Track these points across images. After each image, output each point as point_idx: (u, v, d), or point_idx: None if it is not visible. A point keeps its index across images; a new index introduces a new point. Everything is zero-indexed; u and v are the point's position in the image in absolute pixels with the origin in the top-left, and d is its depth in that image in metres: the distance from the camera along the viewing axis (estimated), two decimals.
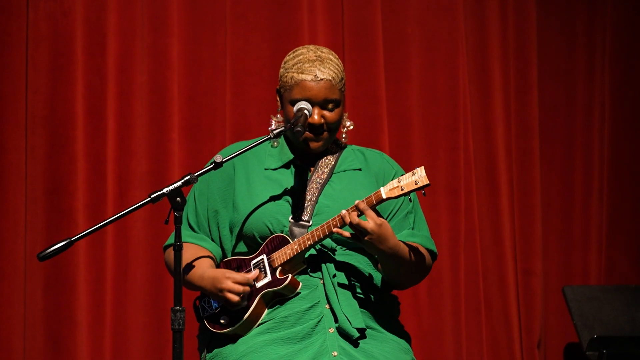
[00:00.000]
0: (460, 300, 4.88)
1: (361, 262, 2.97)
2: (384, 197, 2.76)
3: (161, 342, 4.38)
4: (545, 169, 5.20)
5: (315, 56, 2.94)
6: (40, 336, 4.25)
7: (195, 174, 2.75)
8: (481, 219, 5.00)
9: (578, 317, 4.75)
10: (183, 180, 2.73)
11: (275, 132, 2.89)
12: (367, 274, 2.97)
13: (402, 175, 2.78)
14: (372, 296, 2.95)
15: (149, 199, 2.71)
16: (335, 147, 3.08)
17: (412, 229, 3.01)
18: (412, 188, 2.73)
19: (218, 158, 2.80)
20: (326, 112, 2.95)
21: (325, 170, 3.02)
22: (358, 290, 2.93)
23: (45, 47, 4.30)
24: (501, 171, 5.03)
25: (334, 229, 2.80)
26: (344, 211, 2.79)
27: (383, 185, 2.82)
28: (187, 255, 2.97)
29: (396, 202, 2.98)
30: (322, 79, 2.91)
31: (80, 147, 4.32)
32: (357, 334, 2.83)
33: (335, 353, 2.81)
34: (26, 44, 4.28)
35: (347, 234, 2.79)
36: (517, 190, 5.09)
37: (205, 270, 2.93)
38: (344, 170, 3.04)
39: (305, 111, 2.93)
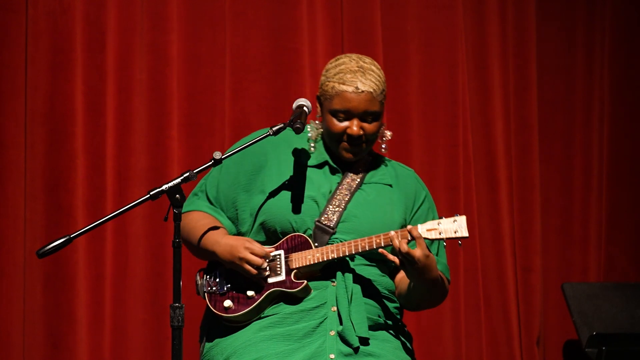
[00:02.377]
0: (460, 297, 4.88)
1: (376, 275, 2.95)
2: (422, 235, 2.75)
3: (160, 338, 4.38)
4: (545, 165, 5.20)
5: (357, 67, 2.90)
6: (39, 333, 4.25)
7: (195, 171, 2.75)
8: (480, 215, 5.00)
9: (577, 314, 4.76)
10: (182, 177, 2.73)
11: (274, 128, 2.87)
12: (382, 287, 2.95)
13: (442, 218, 2.76)
14: (381, 305, 2.94)
15: (148, 196, 2.71)
16: (368, 155, 3.06)
17: (437, 255, 3.00)
18: (450, 236, 2.74)
19: (217, 155, 2.80)
20: (365, 124, 2.92)
21: (357, 177, 2.99)
22: (370, 300, 2.92)
23: (45, 44, 4.29)
24: (500, 168, 5.03)
25: (380, 250, 2.79)
26: (392, 232, 2.77)
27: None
28: (204, 222, 2.97)
29: (425, 220, 2.96)
30: (363, 91, 2.88)
31: (79, 144, 4.31)
32: (357, 344, 2.83)
33: (333, 355, 2.80)
34: (25, 40, 4.28)
35: (394, 258, 2.77)
36: (517, 187, 5.09)
37: (221, 236, 2.91)
38: (375, 182, 3.01)
39: (305, 108, 2.93)
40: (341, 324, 2.85)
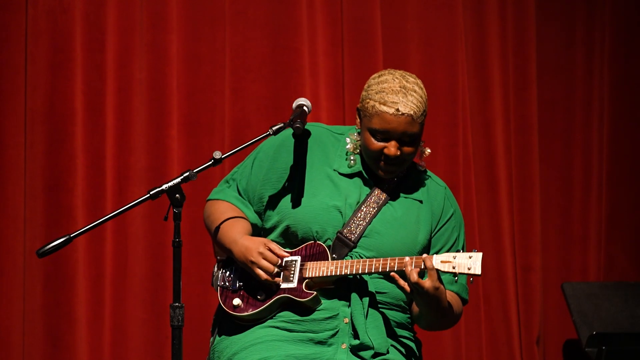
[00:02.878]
0: None
1: (390, 287, 2.91)
2: (434, 267, 2.73)
3: (160, 338, 4.38)
4: (545, 165, 5.20)
5: (400, 86, 2.84)
6: (39, 332, 4.25)
7: (195, 170, 2.74)
8: (480, 215, 5.00)
9: (577, 314, 4.76)
10: (182, 177, 2.72)
11: (274, 128, 2.86)
12: (396, 299, 2.92)
13: (460, 252, 2.74)
14: (394, 317, 2.92)
15: (148, 195, 2.71)
16: None
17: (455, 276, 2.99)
18: (463, 272, 2.72)
19: (217, 154, 2.79)
20: (404, 146, 2.86)
21: (387, 191, 2.94)
22: (384, 311, 2.90)
23: (45, 43, 4.29)
24: (500, 167, 5.03)
25: (392, 274, 2.77)
26: (407, 259, 2.74)
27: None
28: (228, 214, 2.95)
29: (447, 239, 2.95)
30: (403, 114, 2.81)
31: (79, 143, 4.31)
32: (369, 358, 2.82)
33: None
34: (25, 40, 4.28)
35: (404, 284, 2.75)
36: (516, 186, 5.09)
37: (240, 236, 2.89)
38: (405, 197, 2.96)
39: (305, 107, 2.91)
40: (355, 337, 2.83)
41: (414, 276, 2.71)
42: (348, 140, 2.96)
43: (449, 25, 4.95)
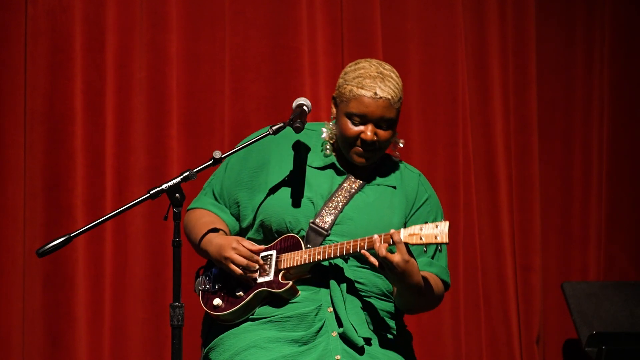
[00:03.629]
0: (459, 296, 4.88)
1: (369, 275, 2.94)
2: (402, 240, 2.74)
3: (160, 338, 4.38)
4: (544, 164, 5.19)
5: (377, 72, 2.90)
6: (39, 332, 4.25)
7: (195, 170, 2.75)
8: (480, 215, 5.00)
9: (577, 313, 4.76)
10: (182, 177, 2.73)
11: (274, 127, 2.87)
12: (376, 287, 2.95)
13: (426, 224, 2.75)
14: (376, 305, 2.93)
15: (148, 195, 2.71)
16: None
17: (432, 258, 2.99)
18: (431, 242, 2.72)
19: (217, 154, 2.80)
20: (380, 131, 2.91)
21: (359, 179, 2.98)
22: (365, 300, 2.91)
23: (44, 43, 4.29)
24: (500, 167, 5.03)
25: (362, 251, 2.78)
26: (375, 236, 2.76)
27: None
28: (205, 220, 3.00)
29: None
30: (381, 97, 2.87)
31: (79, 143, 4.31)
32: (362, 342, 2.83)
33: (339, 357, 2.81)
34: (25, 39, 4.27)
35: (374, 260, 2.77)
36: (516, 186, 5.09)
37: (215, 236, 2.93)
38: (378, 185, 3.00)
39: (305, 107, 2.92)
40: (340, 325, 2.85)
41: (382, 251, 2.73)
42: (324, 129, 3.01)
43: (448, 25, 4.95)
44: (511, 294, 5.02)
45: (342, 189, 2.95)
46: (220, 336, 2.92)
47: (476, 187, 4.98)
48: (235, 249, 2.87)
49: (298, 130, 2.85)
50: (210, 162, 2.79)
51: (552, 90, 5.24)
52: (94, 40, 4.35)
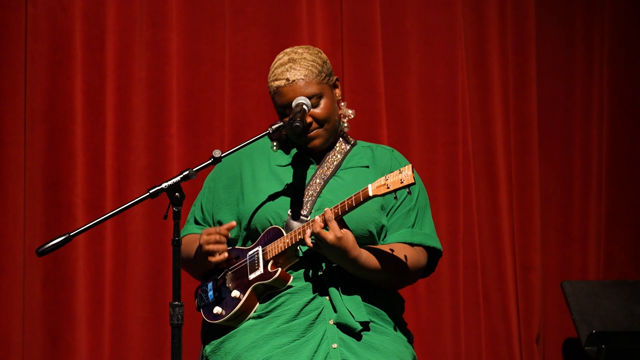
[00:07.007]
0: (459, 295, 4.89)
1: None
2: (371, 194, 2.74)
3: (160, 337, 4.38)
4: (544, 163, 5.20)
5: (288, 59, 2.94)
6: (39, 331, 4.26)
7: (194, 169, 2.75)
8: (480, 213, 5.00)
9: (577, 312, 4.76)
10: (182, 176, 2.73)
11: (274, 127, 2.88)
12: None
13: (390, 173, 2.74)
14: (373, 291, 2.94)
15: (148, 194, 2.71)
16: (343, 143, 3.06)
17: (413, 227, 2.99)
18: (398, 186, 2.71)
19: (217, 153, 2.80)
20: (313, 110, 2.94)
21: (331, 166, 3.00)
22: (359, 284, 2.92)
23: (44, 42, 4.29)
24: (500, 166, 5.04)
25: (303, 233, 2.80)
26: (317, 217, 2.78)
27: None
28: (192, 240, 3.03)
29: (397, 199, 2.93)
30: (293, 81, 2.91)
31: (79, 141, 4.31)
32: (359, 327, 2.83)
33: (335, 345, 2.81)
34: (25, 38, 4.28)
35: (309, 241, 2.78)
36: (516, 185, 5.09)
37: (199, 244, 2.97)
38: (351, 167, 3.02)
39: (304, 106, 2.93)
40: (335, 312, 2.85)
41: (317, 227, 2.75)
42: (270, 130, 3.00)
43: (448, 23, 4.95)
44: (511, 292, 5.02)
45: (316, 177, 2.98)
46: (220, 339, 2.93)
47: (476, 186, 4.98)
48: (203, 233, 2.90)
49: (297, 129, 2.86)
50: (210, 161, 2.79)
51: (551, 89, 5.25)
52: (94, 39, 4.36)
